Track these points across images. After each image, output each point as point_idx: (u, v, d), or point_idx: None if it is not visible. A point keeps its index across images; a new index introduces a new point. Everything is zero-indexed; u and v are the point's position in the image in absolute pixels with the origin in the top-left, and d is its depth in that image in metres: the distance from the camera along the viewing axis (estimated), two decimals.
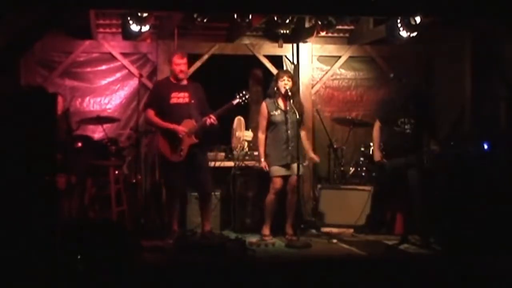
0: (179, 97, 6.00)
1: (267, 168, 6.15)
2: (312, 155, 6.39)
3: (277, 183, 6.12)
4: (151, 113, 6.04)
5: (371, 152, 6.81)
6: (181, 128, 5.90)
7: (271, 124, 6.19)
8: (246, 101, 6.03)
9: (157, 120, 6.01)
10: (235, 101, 5.97)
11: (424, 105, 6.14)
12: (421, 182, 5.97)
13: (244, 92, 6.00)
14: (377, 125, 6.38)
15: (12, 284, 4.32)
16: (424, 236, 5.91)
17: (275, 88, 6.20)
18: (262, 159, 6.17)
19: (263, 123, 6.22)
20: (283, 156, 6.10)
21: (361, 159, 7.30)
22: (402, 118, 5.99)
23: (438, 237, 5.89)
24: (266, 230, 6.21)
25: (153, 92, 6.24)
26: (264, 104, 6.23)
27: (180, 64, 6.02)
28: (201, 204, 6.16)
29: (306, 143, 6.40)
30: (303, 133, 6.30)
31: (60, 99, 6.46)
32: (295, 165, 6.04)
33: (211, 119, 5.87)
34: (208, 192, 6.16)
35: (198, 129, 5.92)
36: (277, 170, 6.12)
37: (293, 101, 6.12)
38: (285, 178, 6.15)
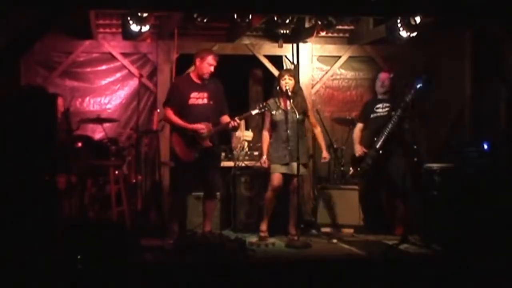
0: (198, 98, 5.92)
1: (266, 164, 6.16)
2: (324, 153, 6.41)
3: (275, 180, 6.12)
4: (170, 112, 5.93)
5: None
6: (201, 126, 5.80)
7: (273, 123, 6.22)
8: (264, 111, 6.09)
9: (176, 119, 5.89)
10: (254, 112, 6.00)
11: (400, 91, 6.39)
12: (405, 179, 6.03)
13: (265, 104, 6.07)
14: (357, 127, 6.78)
15: (12, 284, 4.32)
16: (424, 236, 5.92)
17: (278, 88, 6.22)
18: (264, 156, 6.19)
19: (266, 121, 6.27)
20: (283, 155, 6.12)
21: None
22: (378, 104, 6.56)
23: (438, 237, 5.89)
24: (263, 226, 6.22)
25: (173, 90, 6.11)
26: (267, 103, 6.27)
27: (212, 65, 5.90)
28: (206, 203, 6.13)
29: (320, 141, 6.45)
30: (317, 131, 6.44)
31: (60, 101, 6.45)
32: (295, 164, 6.05)
33: (236, 123, 5.87)
34: (216, 191, 6.19)
35: (214, 133, 5.90)
36: (276, 168, 6.13)
37: (293, 100, 6.12)
38: (285, 177, 6.15)
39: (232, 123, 5.87)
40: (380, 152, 6.37)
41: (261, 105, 6.06)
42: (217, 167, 6.17)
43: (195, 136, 5.83)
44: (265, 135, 6.27)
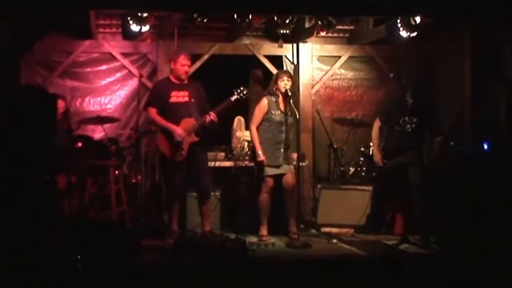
0: (179, 96, 6.01)
1: (263, 157, 6.02)
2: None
3: (270, 182, 6.07)
4: (153, 111, 6.04)
5: (371, 153, 6.82)
6: (179, 132, 5.89)
7: (267, 122, 6.11)
8: (244, 97, 6.04)
9: (158, 118, 6.01)
10: (233, 98, 5.99)
11: (425, 101, 6.23)
12: (421, 180, 6.00)
13: (242, 88, 6.02)
14: (376, 125, 6.46)
15: (12, 284, 4.32)
16: (424, 236, 5.92)
17: (274, 88, 6.17)
18: (260, 152, 6.03)
19: (260, 117, 6.11)
20: (276, 157, 6.05)
21: (361, 159, 7.31)
22: (404, 117, 6.05)
23: (438, 237, 5.89)
24: (263, 231, 6.17)
25: (153, 91, 6.25)
26: (266, 100, 6.12)
27: (185, 65, 6.03)
28: (201, 204, 6.15)
29: None
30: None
31: (60, 103, 6.44)
32: (287, 166, 6.04)
33: (211, 116, 5.88)
34: (207, 192, 6.15)
35: (198, 128, 5.93)
36: (270, 170, 6.06)
37: (292, 101, 6.10)
38: (277, 176, 6.10)
39: (208, 118, 5.88)
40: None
41: (238, 90, 5.98)
42: (206, 167, 6.19)
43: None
44: (254, 130, 6.09)
